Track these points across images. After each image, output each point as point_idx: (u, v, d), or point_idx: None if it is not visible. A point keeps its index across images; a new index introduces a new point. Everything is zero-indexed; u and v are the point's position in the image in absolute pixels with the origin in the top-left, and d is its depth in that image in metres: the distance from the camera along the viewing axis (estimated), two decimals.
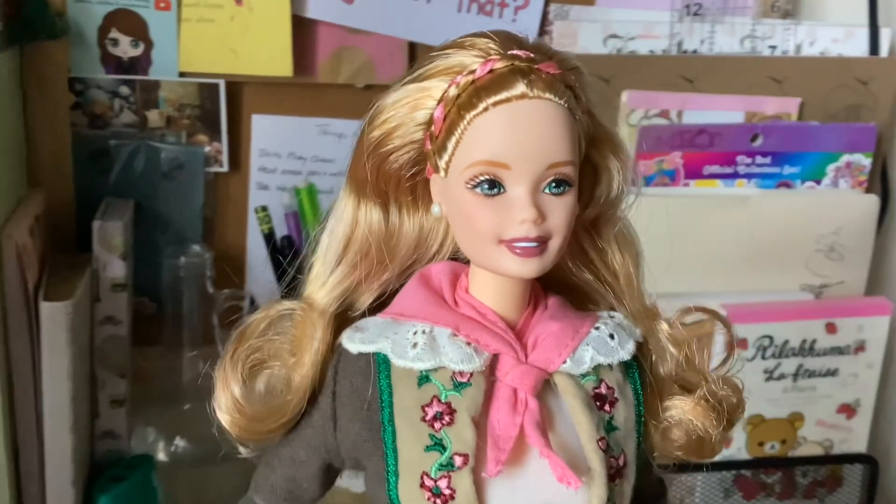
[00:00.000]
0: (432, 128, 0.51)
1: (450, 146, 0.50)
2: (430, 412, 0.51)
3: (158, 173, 1.12)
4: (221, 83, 1.09)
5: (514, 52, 0.50)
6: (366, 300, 0.56)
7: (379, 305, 0.55)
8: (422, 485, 0.50)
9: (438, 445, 0.50)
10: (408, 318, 0.53)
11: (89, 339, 1.06)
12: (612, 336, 0.55)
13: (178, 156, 1.12)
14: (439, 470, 0.50)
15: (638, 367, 0.56)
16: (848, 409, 1.19)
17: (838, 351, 1.17)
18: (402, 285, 0.55)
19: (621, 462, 0.53)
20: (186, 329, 1.13)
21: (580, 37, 1.14)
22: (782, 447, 1.20)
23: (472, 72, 0.50)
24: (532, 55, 0.50)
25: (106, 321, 1.06)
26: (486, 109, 0.49)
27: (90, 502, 1.03)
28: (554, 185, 0.50)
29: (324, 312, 0.54)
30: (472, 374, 0.51)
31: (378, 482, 0.52)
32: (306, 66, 1.09)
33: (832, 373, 1.17)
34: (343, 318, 0.55)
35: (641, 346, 0.57)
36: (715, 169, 1.16)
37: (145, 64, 1.08)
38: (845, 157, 1.17)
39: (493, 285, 0.53)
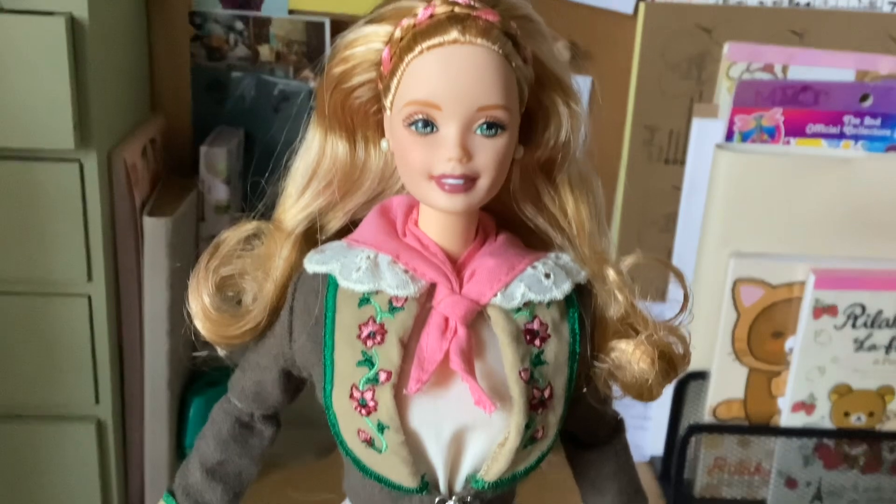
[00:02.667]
0: (381, 67, 0.54)
1: (392, 86, 0.53)
2: (366, 331, 0.54)
3: (268, 105, 1.19)
4: (326, 21, 1.14)
5: None
6: (335, 225, 0.59)
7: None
8: (351, 395, 0.54)
9: (368, 361, 0.54)
10: (359, 245, 0.57)
11: (194, 256, 1.15)
12: (547, 275, 0.56)
13: (285, 89, 1.18)
14: (366, 383, 0.54)
15: (579, 307, 0.58)
16: None
17: None
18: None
19: (546, 394, 0.55)
20: None
21: None
22: (869, 420, 1.16)
23: (415, 16, 0.52)
24: (473, 3, 0.52)
25: (210, 240, 1.14)
26: (421, 52, 0.51)
27: (185, 403, 1.13)
28: (485, 126, 0.52)
29: (290, 234, 0.58)
30: (406, 300, 0.54)
31: (319, 390, 0.57)
32: None
33: None
34: (314, 240, 0.59)
35: (587, 289, 0.58)
36: (819, 128, 1.12)
37: (258, 1, 1.14)
38: None
39: (436, 219, 0.56)
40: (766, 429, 1.17)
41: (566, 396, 0.56)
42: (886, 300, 1.11)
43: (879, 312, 1.11)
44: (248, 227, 0.59)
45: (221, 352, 0.60)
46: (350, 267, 0.55)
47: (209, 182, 1.12)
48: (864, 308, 1.11)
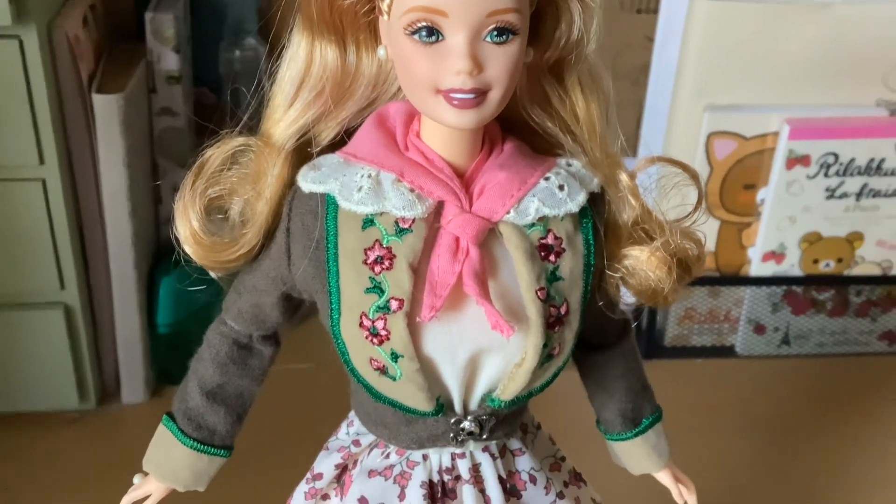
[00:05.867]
0: None
1: None
2: (372, 256, 0.51)
3: None
4: None
5: None
6: (326, 136, 0.54)
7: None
8: (361, 324, 0.52)
9: (377, 288, 0.51)
10: (358, 160, 0.52)
11: (148, 130, 1.09)
12: (561, 187, 0.53)
13: None
14: (376, 311, 0.51)
15: (592, 216, 0.55)
16: None
17: None
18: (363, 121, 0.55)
19: (563, 310, 0.53)
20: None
21: None
22: (838, 265, 1.17)
23: None
24: None
25: (163, 112, 1.09)
26: None
27: (153, 284, 1.10)
28: (496, 33, 0.47)
29: (280, 149, 0.54)
30: (413, 221, 0.51)
31: (325, 317, 0.54)
32: None
33: None
34: (304, 153, 0.54)
35: (600, 195, 0.55)
36: None
37: None
38: None
39: (441, 131, 0.51)
40: (738, 279, 1.18)
41: (582, 310, 0.54)
42: (859, 148, 1.10)
43: (852, 160, 1.10)
44: (234, 143, 0.54)
45: (214, 275, 0.57)
46: (350, 186, 0.51)
47: (157, 51, 1.05)
48: (836, 157, 1.10)
